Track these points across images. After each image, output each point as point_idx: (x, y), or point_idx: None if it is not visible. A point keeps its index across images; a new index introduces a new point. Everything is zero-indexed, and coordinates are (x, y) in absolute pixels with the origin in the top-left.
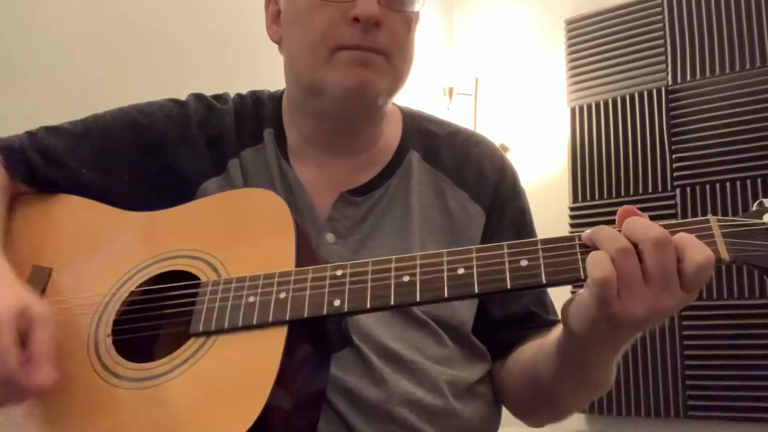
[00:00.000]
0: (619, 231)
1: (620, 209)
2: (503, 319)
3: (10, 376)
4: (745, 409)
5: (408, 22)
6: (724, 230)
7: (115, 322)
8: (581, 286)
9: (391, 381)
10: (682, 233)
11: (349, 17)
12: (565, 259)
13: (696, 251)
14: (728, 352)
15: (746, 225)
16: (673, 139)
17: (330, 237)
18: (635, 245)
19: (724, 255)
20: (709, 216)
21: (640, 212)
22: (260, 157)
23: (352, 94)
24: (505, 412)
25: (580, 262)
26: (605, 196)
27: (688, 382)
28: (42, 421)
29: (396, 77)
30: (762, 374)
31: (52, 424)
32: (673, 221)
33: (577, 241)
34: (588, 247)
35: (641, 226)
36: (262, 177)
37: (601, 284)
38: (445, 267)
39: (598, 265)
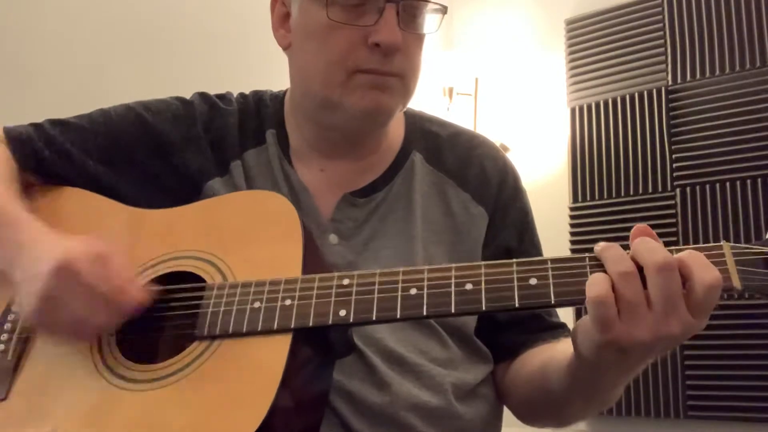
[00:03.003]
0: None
1: (635, 227)
2: (508, 321)
3: (110, 302)
4: (745, 409)
5: (421, 41)
6: (737, 257)
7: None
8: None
9: (395, 385)
10: (690, 251)
11: (370, 42)
12: (575, 279)
13: (704, 272)
14: (728, 352)
15: (760, 253)
16: (673, 139)
17: (333, 238)
18: (641, 268)
19: (737, 283)
20: (722, 242)
21: (652, 232)
22: (263, 159)
23: (367, 115)
24: (507, 412)
25: None
26: (605, 196)
27: (688, 382)
28: (43, 420)
29: (408, 95)
30: (762, 374)
31: (53, 423)
32: (686, 246)
33: (587, 262)
34: (599, 269)
35: (647, 249)
36: (266, 178)
37: (596, 304)
38: (452, 281)
39: (593, 286)
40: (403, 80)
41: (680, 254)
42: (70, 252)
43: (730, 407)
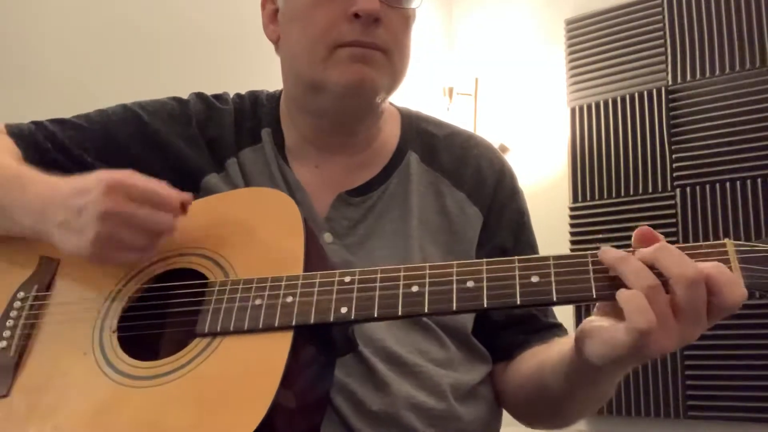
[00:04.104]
0: (633, 251)
1: (638, 230)
2: (503, 321)
3: (165, 225)
4: (745, 409)
5: (406, 19)
6: (741, 255)
7: (121, 319)
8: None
9: (394, 385)
10: (713, 263)
11: (349, 13)
12: (577, 278)
13: (731, 290)
14: (728, 352)
15: (763, 251)
16: (673, 139)
17: (328, 237)
18: (662, 277)
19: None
20: (726, 240)
21: (658, 235)
22: (259, 157)
23: (352, 90)
24: (506, 413)
25: (592, 282)
26: (605, 196)
27: (688, 382)
28: (45, 417)
29: (394, 75)
30: (762, 374)
31: (54, 420)
32: (689, 244)
33: (590, 259)
34: (601, 267)
35: (675, 262)
36: (263, 176)
37: (646, 333)
38: (454, 279)
39: (641, 314)
40: (387, 56)
41: (706, 268)
42: (109, 173)
43: (730, 407)
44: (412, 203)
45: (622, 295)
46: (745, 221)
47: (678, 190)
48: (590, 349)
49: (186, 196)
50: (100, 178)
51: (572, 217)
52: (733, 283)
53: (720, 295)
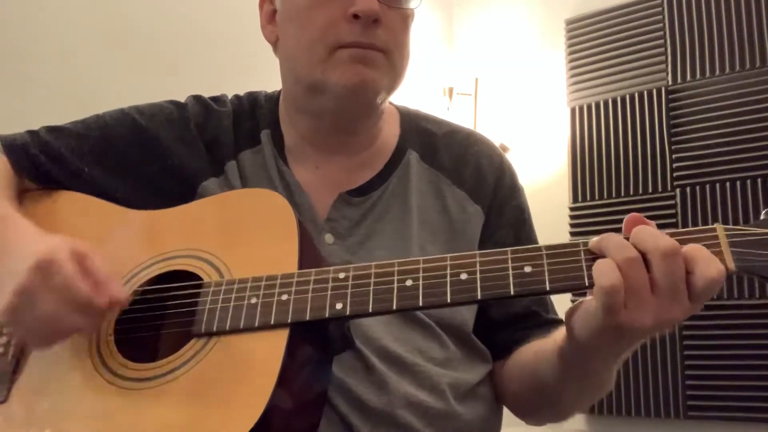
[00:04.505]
0: (627, 239)
1: (627, 217)
2: (503, 318)
3: (86, 300)
4: (745, 409)
5: (405, 19)
6: (731, 239)
7: (118, 322)
8: (583, 294)
9: (392, 384)
10: (692, 244)
11: (349, 14)
12: (570, 266)
13: (707, 265)
14: (728, 352)
15: (754, 234)
16: (673, 139)
17: (329, 237)
18: (643, 255)
19: (731, 265)
20: (716, 225)
21: (647, 221)
22: (258, 159)
23: (352, 92)
24: (507, 412)
25: (585, 270)
26: (605, 196)
27: (688, 382)
28: (43, 421)
29: (395, 75)
30: (762, 374)
31: (53, 424)
32: (680, 229)
33: (581, 248)
34: (593, 255)
35: (650, 235)
36: (261, 179)
37: (609, 292)
38: (448, 272)
39: (605, 274)
40: (387, 56)
41: (684, 247)
42: (52, 248)
43: (730, 407)
44: (412, 202)
45: (595, 264)
46: (746, 221)
47: (678, 190)
48: (573, 324)
49: (123, 298)
50: (37, 249)
51: (572, 217)
52: (709, 258)
53: (696, 271)
